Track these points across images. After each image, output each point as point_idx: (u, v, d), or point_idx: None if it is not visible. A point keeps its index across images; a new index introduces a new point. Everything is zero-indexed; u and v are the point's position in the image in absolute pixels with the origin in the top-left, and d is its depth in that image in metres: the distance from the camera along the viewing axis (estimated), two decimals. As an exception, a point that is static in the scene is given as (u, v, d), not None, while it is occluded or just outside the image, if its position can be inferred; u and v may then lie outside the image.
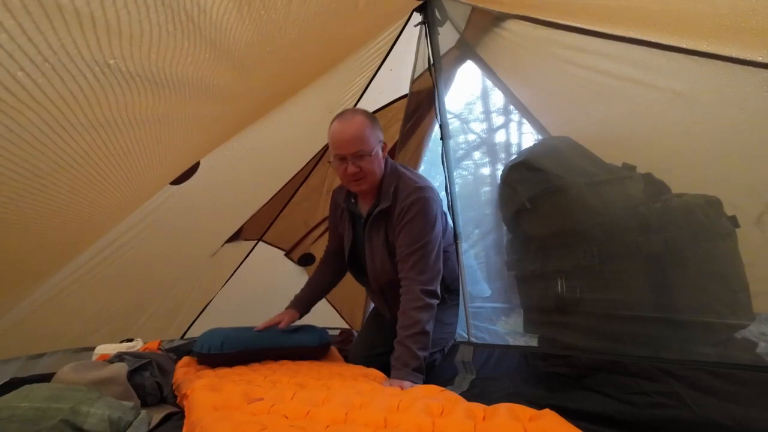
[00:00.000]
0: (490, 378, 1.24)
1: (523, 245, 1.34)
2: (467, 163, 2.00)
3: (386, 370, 1.47)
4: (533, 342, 1.31)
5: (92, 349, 1.62)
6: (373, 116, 1.55)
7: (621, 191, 1.11)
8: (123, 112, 1.05)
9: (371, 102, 2.25)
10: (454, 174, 1.67)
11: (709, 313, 0.95)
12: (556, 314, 1.20)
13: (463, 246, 1.57)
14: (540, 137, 1.54)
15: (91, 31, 0.80)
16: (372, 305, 2.29)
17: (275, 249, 2.70)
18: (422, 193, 1.45)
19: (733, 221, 0.94)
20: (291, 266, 2.77)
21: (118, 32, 0.83)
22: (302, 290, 1.80)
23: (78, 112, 0.95)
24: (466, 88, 1.79)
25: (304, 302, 1.75)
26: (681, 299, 0.99)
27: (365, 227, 1.56)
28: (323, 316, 2.72)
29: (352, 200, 1.63)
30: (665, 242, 1.00)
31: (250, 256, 2.61)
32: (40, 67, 0.80)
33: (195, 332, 2.32)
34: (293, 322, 1.67)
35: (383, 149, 1.55)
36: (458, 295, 1.53)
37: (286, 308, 1.72)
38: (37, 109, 0.88)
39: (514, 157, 1.46)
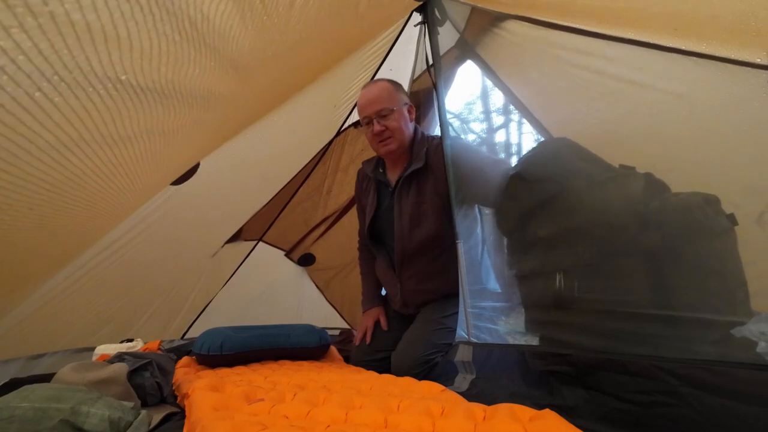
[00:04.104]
0: (490, 378, 1.24)
1: (525, 246, 1.34)
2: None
3: (389, 372, 1.47)
4: (533, 341, 1.32)
5: (92, 349, 1.62)
6: (397, 82, 1.64)
7: (621, 190, 1.12)
8: (136, 127, 1.07)
9: (371, 102, 2.25)
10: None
11: (706, 309, 0.95)
12: (557, 312, 1.20)
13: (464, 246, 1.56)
14: (540, 137, 1.54)
15: (103, 46, 0.80)
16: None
17: (275, 249, 2.70)
18: None
19: (731, 219, 0.94)
20: (291, 267, 2.77)
21: (129, 46, 0.84)
22: (366, 285, 1.85)
23: (93, 128, 0.97)
24: (466, 88, 1.79)
25: (377, 294, 1.83)
26: (679, 296, 0.99)
27: (394, 192, 1.61)
28: (323, 316, 2.73)
29: (380, 170, 1.71)
30: (663, 239, 1.00)
31: (250, 256, 2.61)
32: (57, 87, 0.81)
33: (195, 332, 2.32)
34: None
35: (410, 112, 1.62)
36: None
37: (368, 309, 1.78)
38: (50, 127, 0.89)
39: (515, 165, 1.47)
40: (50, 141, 0.90)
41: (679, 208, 1.01)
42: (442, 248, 1.56)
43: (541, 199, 1.25)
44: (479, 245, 1.63)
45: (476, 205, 1.65)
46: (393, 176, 1.69)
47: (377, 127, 1.55)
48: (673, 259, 1.00)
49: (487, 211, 1.70)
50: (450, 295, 1.53)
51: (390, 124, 1.55)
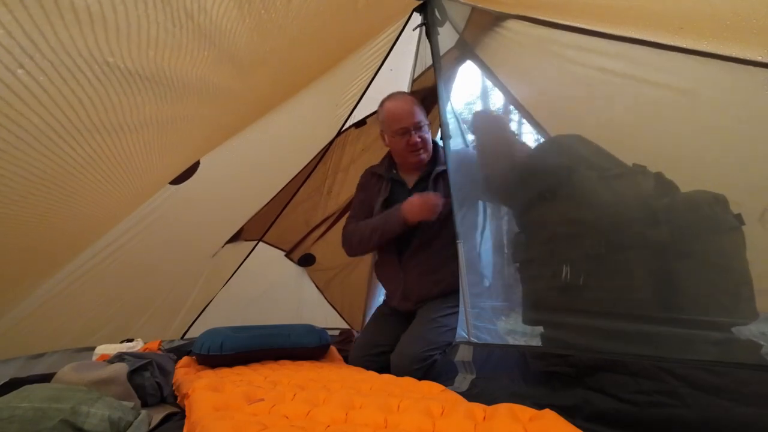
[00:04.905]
0: (490, 378, 1.24)
1: (532, 234, 1.34)
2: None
3: (387, 369, 1.47)
4: (533, 341, 1.31)
5: (92, 349, 1.62)
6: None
7: (632, 186, 1.12)
8: (125, 113, 1.05)
9: (372, 102, 2.24)
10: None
11: (711, 306, 0.95)
12: (560, 301, 1.20)
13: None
14: (540, 137, 1.54)
15: (89, 27, 0.79)
16: (372, 306, 2.28)
17: (275, 249, 2.70)
18: None
19: (739, 219, 0.94)
20: (291, 267, 2.77)
21: (115, 28, 0.82)
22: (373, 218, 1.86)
23: (82, 113, 0.95)
24: (466, 88, 1.80)
25: None
26: (683, 291, 0.99)
27: (420, 189, 1.71)
28: (323, 316, 2.73)
29: (394, 171, 1.82)
30: (671, 233, 1.00)
31: (250, 256, 2.61)
32: (40, 65, 0.79)
33: (195, 332, 2.32)
34: None
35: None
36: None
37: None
38: (39, 110, 0.87)
39: (525, 155, 1.47)
40: (35, 122, 0.88)
41: (688, 205, 1.02)
42: (447, 240, 1.60)
43: (551, 183, 1.25)
44: (479, 245, 1.64)
45: (478, 206, 1.66)
46: (409, 177, 1.78)
47: (416, 138, 1.67)
48: (680, 253, 1.00)
49: (489, 211, 1.70)
50: (447, 293, 1.57)
51: (425, 136, 1.70)
